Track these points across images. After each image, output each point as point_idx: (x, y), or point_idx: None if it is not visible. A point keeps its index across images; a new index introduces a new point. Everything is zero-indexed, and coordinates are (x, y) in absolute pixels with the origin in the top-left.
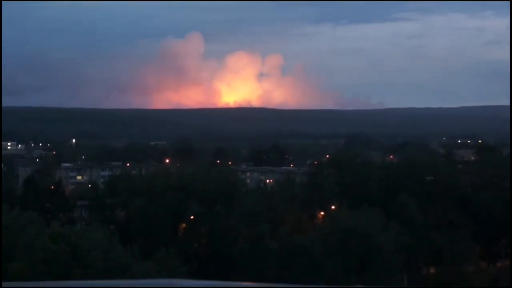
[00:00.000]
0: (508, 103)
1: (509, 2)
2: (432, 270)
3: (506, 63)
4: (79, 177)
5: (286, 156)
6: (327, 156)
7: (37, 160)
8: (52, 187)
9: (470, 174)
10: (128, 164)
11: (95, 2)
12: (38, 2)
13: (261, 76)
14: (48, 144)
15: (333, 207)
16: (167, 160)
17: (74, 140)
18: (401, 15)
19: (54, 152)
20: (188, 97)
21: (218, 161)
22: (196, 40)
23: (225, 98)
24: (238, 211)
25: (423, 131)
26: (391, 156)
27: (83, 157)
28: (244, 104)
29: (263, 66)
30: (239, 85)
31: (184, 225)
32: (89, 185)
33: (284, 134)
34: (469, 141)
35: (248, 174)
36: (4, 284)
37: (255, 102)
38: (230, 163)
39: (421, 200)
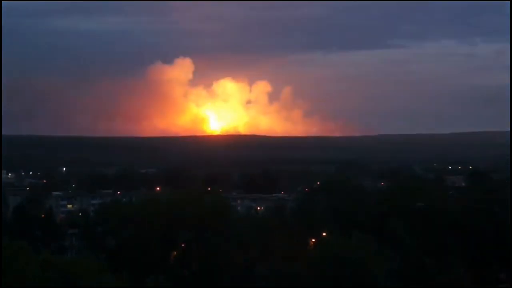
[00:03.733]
0: (498, 129)
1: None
2: None
3: (496, 89)
4: (69, 206)
5: (277, 183)
6: (318, 182)
7: (28, 188)
8: (43, 215)
9: (461, 200)
10: (118, 192)
11: (83, 29)
12: (25, 28)
13: (249, 103)
14: (39, 173)
15: (324, 233)
16: (158, 188)
17: (64, 169)
18: (392, 41)
19: (45, 181)
20: (176, 124)
21: (209, 188)
22: (185, 66)
23: (213, 125)
24: (229, 238)
25: (414, 157)
26: (382, 183)
27: (73, 185)
28: (232, 131)
29: (251, 93)
30: (227, 112)
31: (175, 252)
32: (80, 214)
33: (274, 161)
34: (459, 167)
35: (239, 201)
36: None
37: (243, 129)
38: (221, 190)
39: (412, 226)
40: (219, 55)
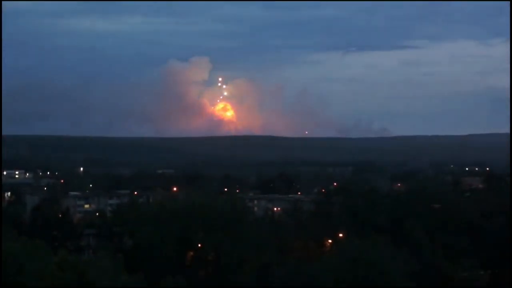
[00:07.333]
0: None
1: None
2: None
3: None
4: (86, 206)
5: (293, 184)
6: (335, 184)
7: (45, 188)
8: (60, 215)
9: (478, 202)
10: (135, 192)
11: (99, 29)
12: (41, 29)
13: (264, 103)
14: (56, 173)
15: (341, 235)
16: (175, 188)
17: (81, 169)
18: (410, 42)
19: (62, 181)
20: (193, 125)
21: (225, 189)
22: (201, 66)
23: (229, 126)
24: (245, 239)
25: (431, 159)
26: (399, 184)
27: (90, 185)
28: (248, 132)
29: (268, 93)
30: (243, 113)
31: (191, 253)
32: (97, 214)
33: (290, 161)
34: (477, 169)
35: (255, 202)
36: None
37: (259, 130)
38: (237, 190)
39: (429, 228)
40: (234, 55)
